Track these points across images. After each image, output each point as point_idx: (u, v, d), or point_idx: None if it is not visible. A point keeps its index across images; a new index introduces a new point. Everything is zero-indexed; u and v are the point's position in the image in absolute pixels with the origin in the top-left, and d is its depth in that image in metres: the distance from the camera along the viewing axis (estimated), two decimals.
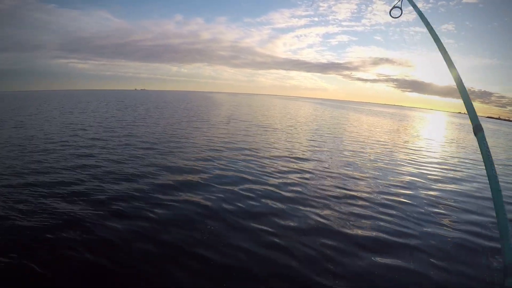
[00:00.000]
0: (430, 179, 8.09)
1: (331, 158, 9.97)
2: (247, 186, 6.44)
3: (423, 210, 5.65)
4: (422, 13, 1.87)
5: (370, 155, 10.97)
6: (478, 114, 1.43)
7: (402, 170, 8.86)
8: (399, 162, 10.05)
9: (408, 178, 8.01)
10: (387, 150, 12.64)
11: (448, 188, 7.33)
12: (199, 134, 13.59)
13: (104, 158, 8.22)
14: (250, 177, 7.05)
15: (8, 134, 12.16)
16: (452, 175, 8.81)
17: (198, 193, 5.82)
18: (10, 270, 3.29)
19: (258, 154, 9.72)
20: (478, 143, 1.29)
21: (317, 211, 5.28)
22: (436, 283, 3.46)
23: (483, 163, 1.27)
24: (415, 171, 8.95)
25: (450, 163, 10.72)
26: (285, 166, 8.29)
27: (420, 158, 11.15)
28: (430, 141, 17.67)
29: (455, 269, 3.74)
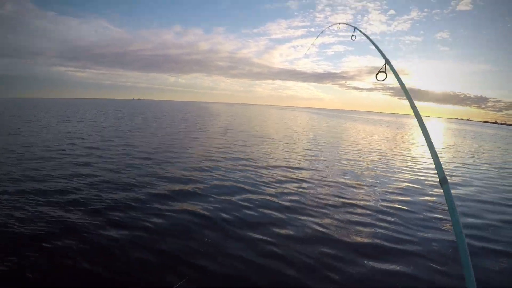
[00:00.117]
0: (427, 185, 8.13)
1: (328, 167, 10.00)
2: (245, 196, 6.42)
3: (421, 216, 5.67)
4: (402, 82, 2.15)
5: (367, 163, 11.01)
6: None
7: (399, 177, 8.89)
8: (396, 169, 10.09)
9: (405, 184, 8.04)
10: (384, 158, 12.70)
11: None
12: (196, 144, 13.60)
13: (101, 167, 8.19)
14: (247, 187, 7.04)
15: (5, 141, 12.11)
16: (449, 180, 8.80)
17: (196, 203, 5.81)
18: (6, 279, 3.25)
19: (255, 164, 9.73)
20: (444, 195, 1.36)
21: (315, 219, 5.27)
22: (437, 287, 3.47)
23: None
24: (412, 177, 8.99)
25: (447, 169, 10.77)
26: (282, 176, 8.29)
27: (416, 165, 11.20)
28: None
29: (454, 273, 3.74)
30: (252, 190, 6.82)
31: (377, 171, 9.69)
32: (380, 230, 4.93)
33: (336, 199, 6.47)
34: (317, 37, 5.43)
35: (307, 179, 8.02)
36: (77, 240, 4.13)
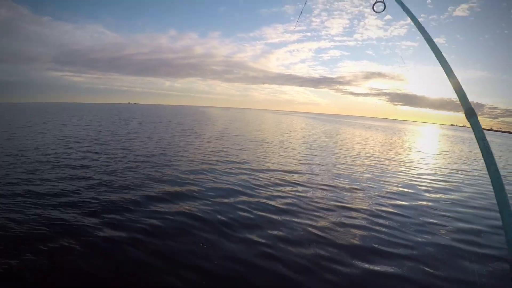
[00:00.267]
0: (421, 190, 8.24)
1: (323, 171, 10.08)
2: (241, 198, 6.47)
3: (415, 220, 5.75)
4: (406, 7, 1.84)
5: (362, 168, 11.12)
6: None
7: (393, 182, 9.00)
8: (390, 174, 10.20)
9: (399, 189, 8.13)
10: (379, 162, 12.82)
11: (438, 198, 7.47)
12: (192, 148, 13.64)
13: (98, 170, 8.19)
14: (243, 190, 7.09)
15: (1, 146, 12.03)
16: (442, 186, 8.98)
17: (192, 205, 5.83)
18: (6, 280, 3.26)
19: (251, 167, 9.78)
20: (472, 129, 1.15)
21: (310, 222, 5.33)
22: None
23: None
24: (407, 182, 9.10)
25: (440, 174, 10.91)
26: (278, 179, 8.35)
27: (411, 170, 11.32)
28: (421, 154, 17.95)
29: (447, 276, 3.81)
30: (248, 193, 6.86)
31: (371, 175, 9.78)
32: (374, 234, 5.00)
33: (331, 202, 6.53)
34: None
35: (302, 183, 8.09)
36: (75, 241, 4.14)
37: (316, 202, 6.51)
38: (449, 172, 11.61)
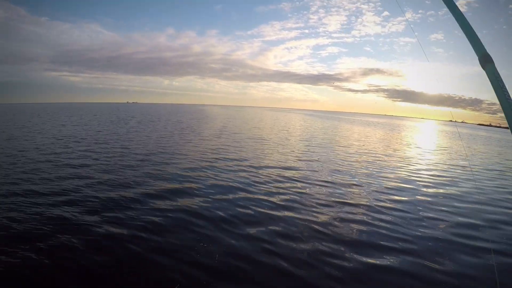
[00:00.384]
0: (419, 185, 8.30)
1: (323, 167, 10.12)
2: (241, 195, 6.51)
3: (413, 215, 5.80)
4: None
5: (361, 164, 11.17)
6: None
7: (392, 177, 9.05)
8: (389, 170, 10.25)
9: (398, 184, 8.18)
10: (378, 158, 12.88)
11: (437, 193, 7.53)
12: (192, 147, 13.66)
13: (97, 169, 8.22)
14: (243, 187, 7.13)
15: (0, 146, 12.03)
16: (440, 181, 9.03)
17: (193, 202, 5.86)
18: (7, 278, 3.30)
19: (251, 164, 9.83)
20: (488, 78, 1.04)
21: (310, 218, 5.37)
22: (429, 283, 3.58)
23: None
24: (405, 178, 9.15)
25: (438, 169, 10.97)
26: (278, 176, 8.40)
27: (410, 166, 11.38)
28: (420, 150, 18.01)
29: (445, 269, 3.87)
30: (248, 190, 6.91)
31: (370, 171, 9.83)
32: (373, 229, 5.05)
33: (330, 198, 6.58)
34: None
35: (301, 179, 8.13)
36: (75, 239, 4.18)
37: (316, 198, 6.56)
38: (447, 168, 11.67)
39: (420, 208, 6.25)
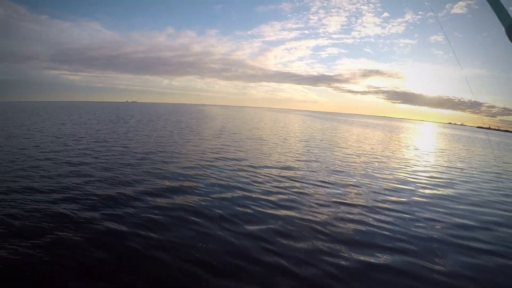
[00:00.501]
0: (417, 186, 8.36)
1: (321, 168, 10.17)
2: (240, 194, 6.55)
3: (411, 216, 5.85)
4: None
5: (360, 165, 11.22)
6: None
7: (390, 179, 9.10)
8: (388, 171, 10.31)
9: (396, 185, 8.24)
10: (376, 159, 12.93)
11: (434, 194, 7.58)
12: (191, 146, 13.69)
13: (96, 168, 8.23)
14: (242, 186, 7.18)
15: (0, 144, 12.04)
16: (438, 182, 9.09)
17: (192, 201, 5.90)
18: (7, 277, 3.34)
19: (250, 164, 9.87)
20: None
21: (309, 217, 5.41)
22: (425, 282, 3.64)
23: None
24: (403, 179, 9.21)
25: (436, 171, 11.03)
26: (277, 176, 8.44)
27: (408, 167, 11.44)
28: (418, 151, 18.06)
29: (440, 269, 3.92)
30: (247, 189, 6.95)
31: (369, 172, 9.89)
32: (371, 228, 5.10)
33: (329, 198, 6.62)
34: None
35: (300, 179, 8.17)
36: (75, 235, 4.23)
37: (314, 198, 6.60)
38: (445, 170, 11.73)
39: (417, 209, 6.31)
